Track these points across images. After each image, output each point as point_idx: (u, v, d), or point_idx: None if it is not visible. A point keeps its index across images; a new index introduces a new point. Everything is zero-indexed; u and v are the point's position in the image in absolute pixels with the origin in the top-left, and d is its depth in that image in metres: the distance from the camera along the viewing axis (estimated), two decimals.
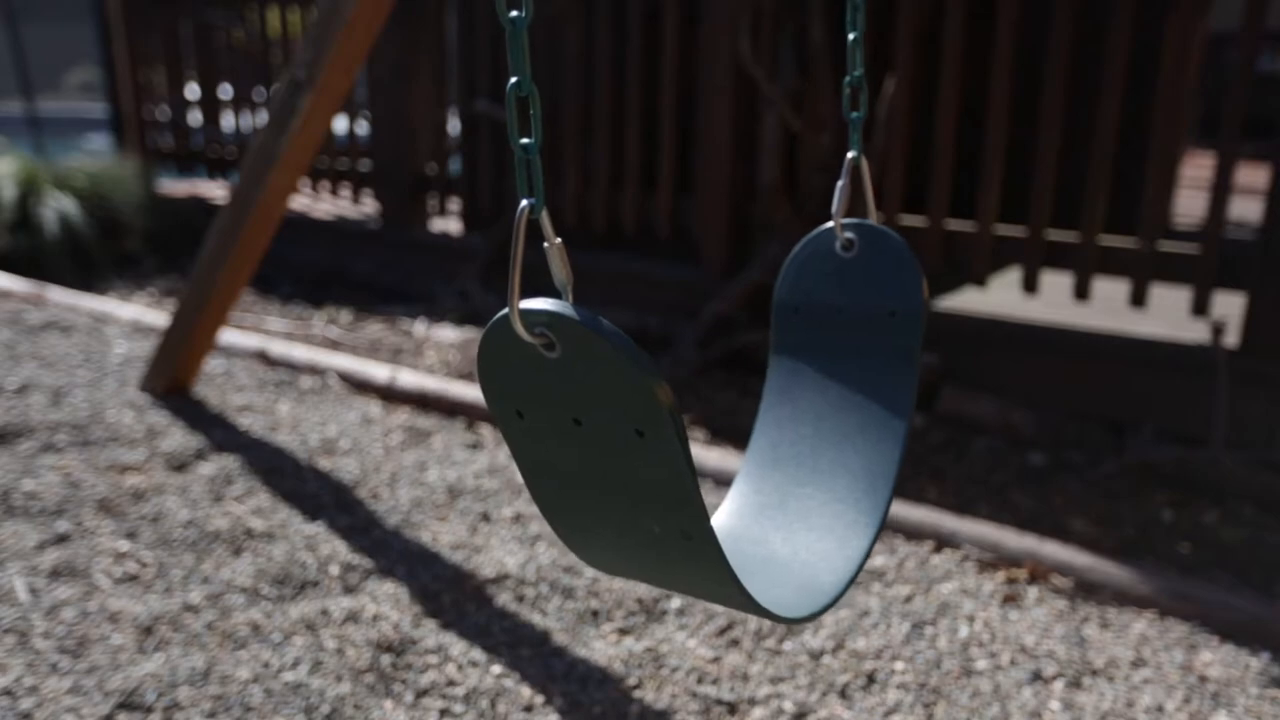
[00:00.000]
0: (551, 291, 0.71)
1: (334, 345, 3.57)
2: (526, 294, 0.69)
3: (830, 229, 1.07)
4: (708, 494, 2.34)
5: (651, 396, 0.67)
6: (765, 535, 1.03)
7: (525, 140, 0.69)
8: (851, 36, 1.04)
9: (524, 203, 0.69)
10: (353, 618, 1.76)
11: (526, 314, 0.68)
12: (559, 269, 0.71)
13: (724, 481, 2.38)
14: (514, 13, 0.68)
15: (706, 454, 2.47)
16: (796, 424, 1.10)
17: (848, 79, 1.06)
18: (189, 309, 2.69)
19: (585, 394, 0.69)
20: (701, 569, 0.78)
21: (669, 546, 0.76)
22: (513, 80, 0.69)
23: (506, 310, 0.68)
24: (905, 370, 1.06)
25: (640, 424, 0.68)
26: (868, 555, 0.99)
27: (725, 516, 1.06)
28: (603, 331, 0.66)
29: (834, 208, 1.06)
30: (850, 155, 1.05)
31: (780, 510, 1.05)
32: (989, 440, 2.78)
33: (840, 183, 1.06)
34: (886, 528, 2.17)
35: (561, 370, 0.69)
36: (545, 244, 0.71)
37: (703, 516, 0.72)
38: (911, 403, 1.05)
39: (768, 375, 1.14)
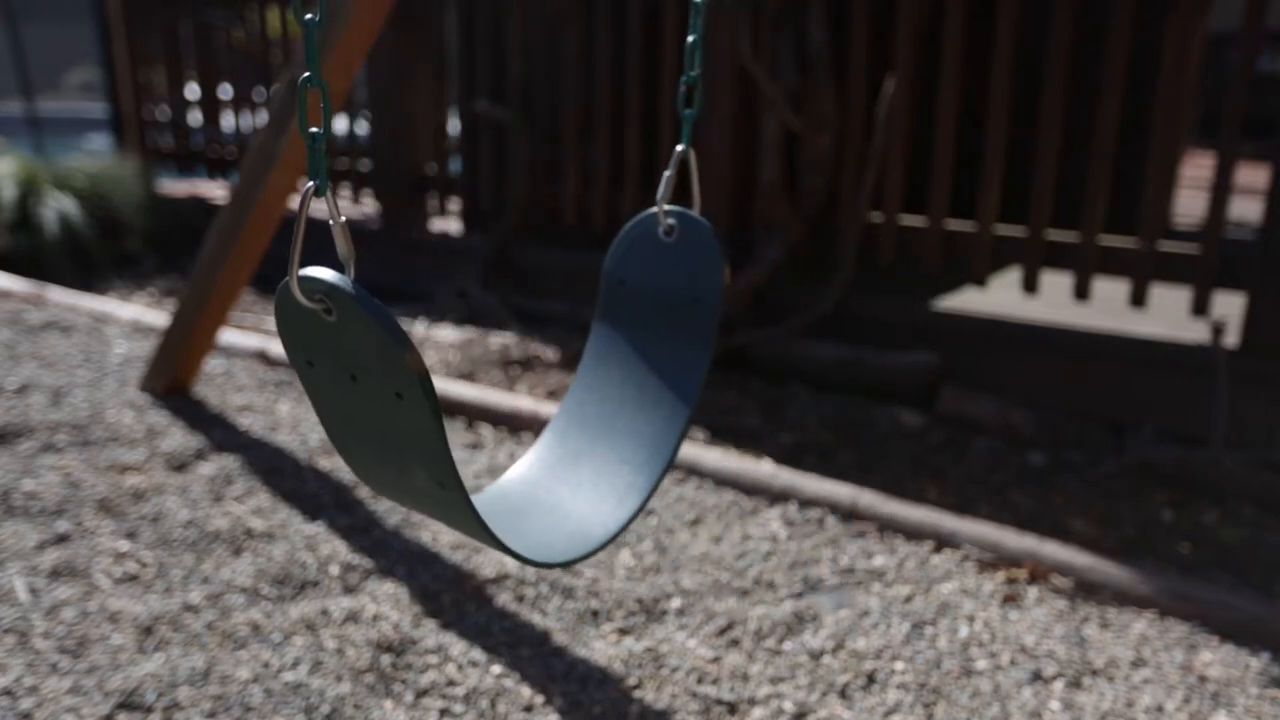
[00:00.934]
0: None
1: None
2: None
3: (655, 213, 1.18)
4: (707, 494, 2.34)
5: (405, 365, 0.76)
6: (555, 485, 1.15)
7: (315, 130, 0.78)
8: (691, 39, 1.12)
9: (310, 184, 0.78)
10: (353, 618, 1.76)
11: (304, 281, 0.78)
12: (341, 244, 0.80)
13: (724, 481, 2.38)
14: (308, 15, 0.78)
15: (706, 453, 2.47)
16: (604, 388, 1.21)
17: (684, 78, 1.15)
18: (189, 309, 2.69)
19: (356, 356, 0.80)
20: (455, 513, 0.90)
21: (429, 493, 0.88)
22: (304, 75, 0.78)
23: (288, 277, 0.77)
24: (700, 353, 1.17)
25: (398, 387, 0.78)
26: (637, 514, 1.11)
27: (526, 463, 1.18)
28: (365, 304, 0.76)
29: (659, 194, 1.16)
30: (678, 149, 1.15)
31: (574, 464, 1.17)
32: (989, 440, 2.78)
33: (667, 173, 1.15)
34: (886, 528, 2.17)
35: (338, 333, 0.79)
36: (330, 221, 0.80)
37: (452, 472, 0.83)
38: (699, 383, 1.16)
39: (589, 339, 1.24)
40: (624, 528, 1.09)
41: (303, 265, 0.80)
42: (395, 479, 0.90)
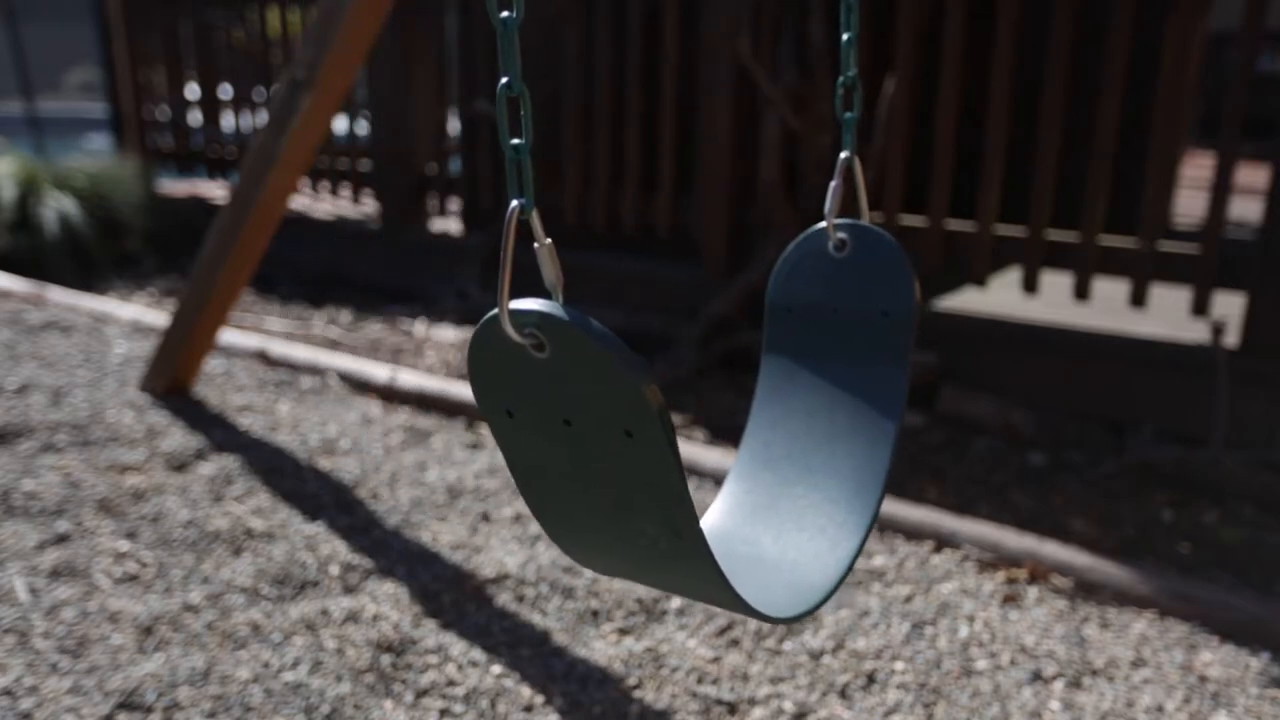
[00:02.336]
0: (543, 291, 0.71)
1: (334, 345, 3.57)
2: (520, 294, 0.69)
3: (823, 229, 1.08)
4: (706, 494, 2.34)
5: (640, 397, 0.67)
6: (756, 535, 1.04)
7: (516, 141, 0.69)
8: (846, 37, 1.04)
9: (514, 203, 0.69)
10: (353, 618, 1.76)
11: (516, 315, 0.68)
12: (549, 269, 0.71)
13: (724, 481, 2.38)
14: (505, 13, 0.68)
15: (706, 454, 2.47)
16: (788, 423, 1.11)
17: (841, 79, 1.06)
18: (189, 309, 2.69)
19: (575, 394, 0.69)
20: (691, 568, 0.79)
21: (659, 546, 0.77)
22: (503, 80, 0.68)
23: (496, 310, 0.68)
24: (896, 371, 1.06)
25: (629, 425, 0.68)
26: (858, 555, 1.00)
27: (717, 516, 1.06)
28: (592, 332, 0.66)
29: (827, 208, 1.06)
30: (844, 155, 1.05)
31: (771, 510, 1.06)
32: (989, 440, 2.78)
33: (833, 183, 1.06)
34: (886, 528, 2.17)
35: (551, 371, 0.69)
36: (535, 244, 0.71)
37: (692, 516, 0.73)
38: (902, 403, 1.05)
39: (760, 375, 1.14)
40: (847, 571, 0.99)
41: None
42: (614, 540, 0.79)
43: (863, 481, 1.04)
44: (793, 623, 0.93)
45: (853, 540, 1.01)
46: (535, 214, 0.70)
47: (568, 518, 0.80)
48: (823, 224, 1.07)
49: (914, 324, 1.06)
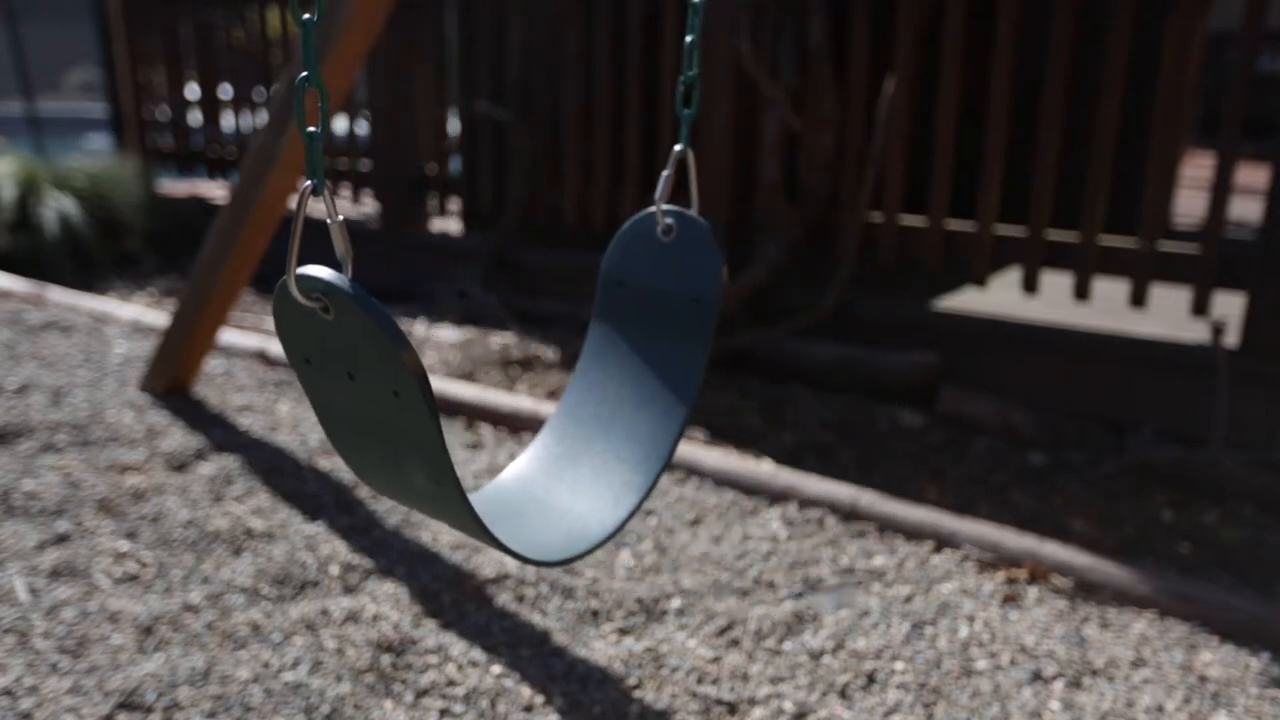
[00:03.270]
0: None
1: None
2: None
3: (653, 212, 1.18)
4: (707, 494, 2.34)
5: (401, 363, 0.77)
6: (553, 484, 1.16)
7: (312, 129, 0.78)
8: (689, 39, 1.12)
9: (307, 183, 0.78)
10: (353, 618, 1.76)
11: (302, 280, 0.78)
12: (339, 243, 0.80)
13: (724, 481, 2.38)
14: (305, 15, 0.77)
15: (706, 454, 2.47)
16: (603, 387, 1.22)
17: (682, 78, 1.15)
18: (189, 309, 2.69)
19: (354, 354, 0.80)
20: (452, 512, 0.91)
21: (426, 490, 0.89)
22: (302, 75, 0.77)
23: (286, 275, 0.78)
24: (698, 350, 1.18)
25: (395, 386, 0.79)
26: (634, 512, 1.12)
27: (524, 462, 1.18)
28: (363, 303, 0.76)
29: (657, 194, 1.16)
30: (676, 149, 1.16)
31: (572, 464, 1.17)
32: (989, 440, 2.78)
33: (665, 172, 1.16)
34: (886, 528, 2.17)
35: (336, 331, 0.80)
36: (328, 220, 0.80)
37: (448, 469, 0.84)
38: (698, 382, 1.17)
39: (587, 338, 1.24)
40: (621, 526, 1.10)
41: (302, 264, 0.80)
42: (393, 478, 0.91)
43: (653, 448, 1.16)
44: (551, 566, 1.08)
45: (632, 498, 1.12)
46: (327, 193, 0.79)
47: (358, 454, 0.93)
48: (653, 208, 1.18)
49: (716, 310, 1.17)
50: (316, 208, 0.77)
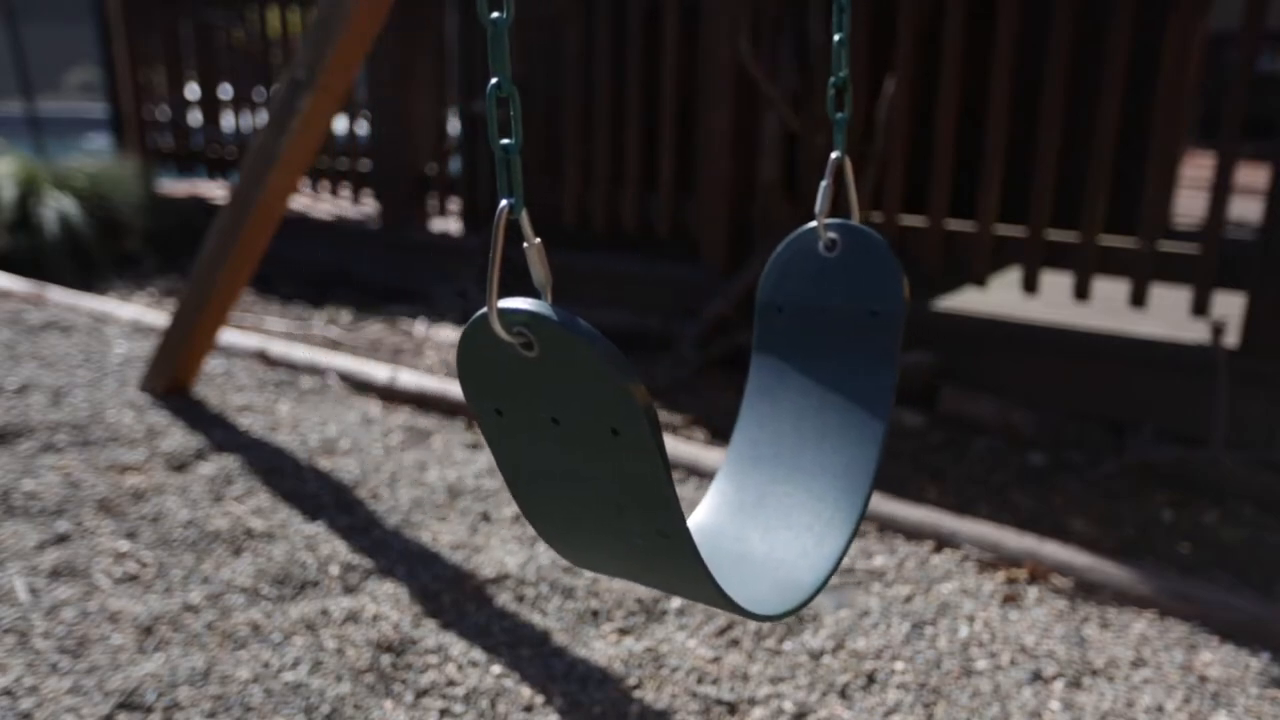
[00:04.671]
0: (533, 291, 0.72)
1: (334, 345, 3.57)
2: (510, 294, 0.70)
3: (814, 228, 1.08)
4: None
5: (628, 396, 0.67)
6: (744, 533, 1.05)
7: (506, 140, 0.70)
8: (837, 38, 1.04)
9: (504, 202, 0.70)
10: (353, 618, 1.76)
11: (505, 313, 0.68)
12: (538, 269, 0.72)
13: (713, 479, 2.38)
14: (495, 14, 0.69)
15: (706, 454, 2.47)
16: (777, 422, 1.11)
17: (833, 80, 1.07)
18: (189, 309, 2.69)
19: (563, 393, 0.70)
20: (677, 566, 0.79)
21: (646, 544, 0.77)
22: (493, 81, 0.70)
23: (485, 309, 0.69)
24: (885, 370, 1.07)
25: (616, 424, 0.69)
26: (844, 553, 1.01)
27: (705, 513, 1.07)
28: (580, 332, 0.67)
29: (818, 207, 1.07)
30: (834, 156, 1.06)
31: (759, 508, 1.07)
32: (989, 440, 2.78)
33: (824, 183, 1.06)
34: (886, 528, 2.17)
35: (539, 370, 0.70)
36: (525, 244, 0.71)
37: (678, 515, 0.73)
38: (890, 403, 1.06)
39: (750, 373, 1.14)
40: (834, 569, 0.99)
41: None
42: (601, 536, 0.80)
43: (851, 480, 1.05)
44: (779, 620, 0.94)
45: (840, 538, 1.01)
46: (525, 214, 0.70)
47: (555, 515, 0.81)
48: (813, 224, 1.08)
49: (902, 324, 1.07)
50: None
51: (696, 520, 1.06)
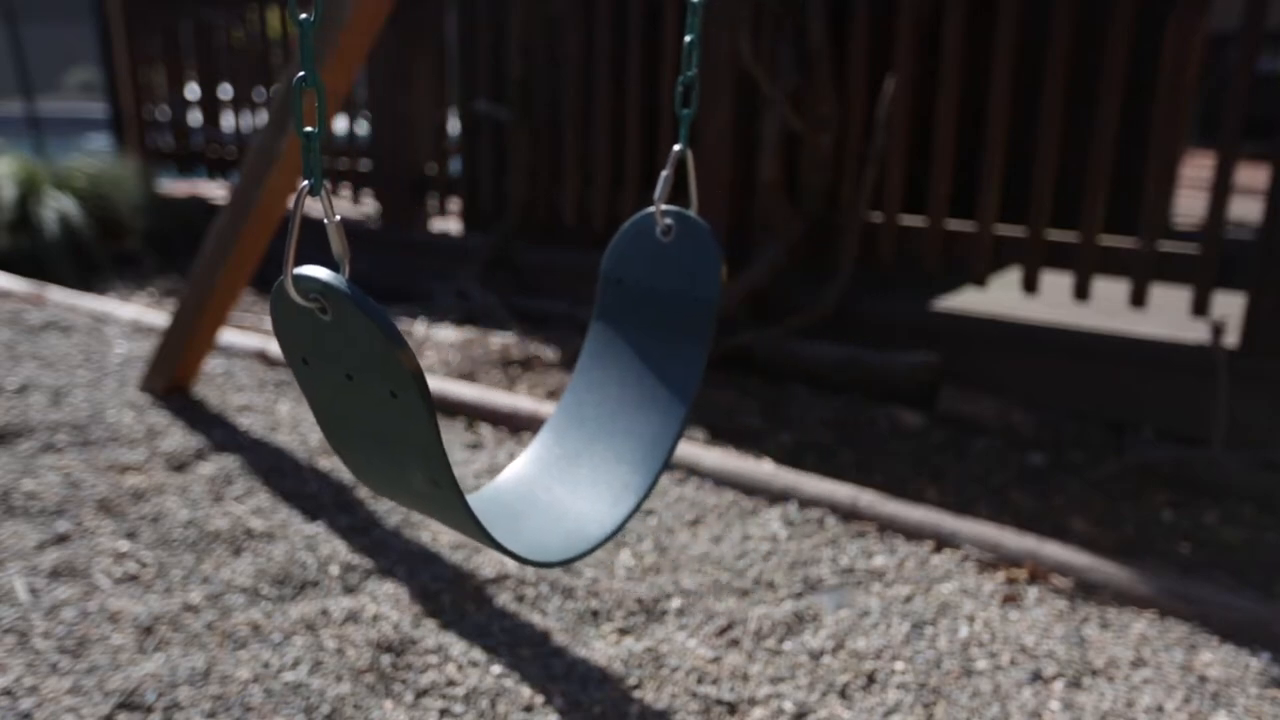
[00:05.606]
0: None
1: None
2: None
3: (652, 212, 1.18)
4: (707, 494, 2.34)
5: (398, 363, 0.76)
6: (552, 484, 1.15)
7: (309, 129, 0.78)
8: (688, 39, 1.12)
9: (304, 183, 0.78)
10: (353, 618, 1.76)
11: (299, 280, 0.78)
12: (336, 243, 0.80)
13: (724, 481, 2.38)
14: (303, 15, 0.77)
15: (706, 453, 2.47)
16: (604, 387, 1.21)
17: (681, 79, 1.15)
18: (189, 309, 2.69)
19: (352, 355, 0.80)
20: (451, 513, 0.90)
21: (423, 491, 0.88)
22: (299, 75, 0.77)
23: (283, 276, 0.78)
24: (697, 352, 1.17)
25: (393, 386, 0.79)
26: (633, 513, 1.11)
27: (524, 462, 1.18)
28: (359, 302, 0.76)
29: (656, 194, 1.16)
30: (676, 148, 1.15)
31: (572, 464, 1.17)
32: (989, 440, 2.78)
33: (664, 172, 1.15)
34: (886, 528, 2.17)
35: (333, 331, 0.79)
36: (325, 220, 0.79)
37: (446, 470, 0.83)
38: (696, 382, 1.17)
39: (587, 338, 1.24)
40: (620, 527, 1.09)
41: (300, 264, 0.80)
42: (392, 479, 0.91)
43: (651, 450, 1.15)
44: (550, 567, 1.05)
45: (631, 499, 1.12)
46: (325, 193, 0.78)
47: (356, 456, 0.92)
48: (652, 208, 1.17)
49: (714, 309, 1.16)
50: (315, 208, 0.77)
51: (516, 466, 1.17)
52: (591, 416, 1.20)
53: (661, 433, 1.16)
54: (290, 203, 2.74)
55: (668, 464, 1.14)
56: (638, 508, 1.11)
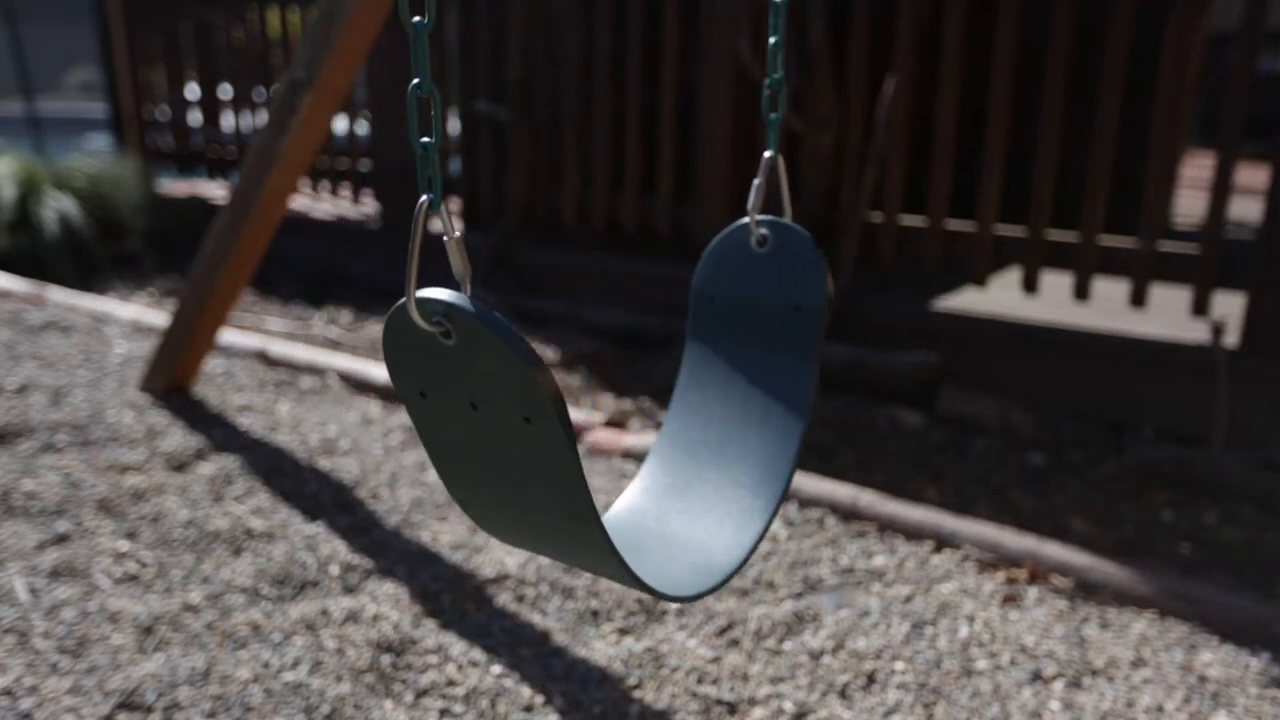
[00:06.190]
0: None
1: (334, 345, 3.57)
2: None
3: (746, 224, 1.12)
4: None
5: (535, 386, 0.71)
6: (667, 515, 1.08)
7: (426, 139, 0.73)
8: (773, 40, 1.08)
9: (424, 198, 0.74)
10: (353, 618, 1.76)
11: (423, 303, 0.72)
12: (457, 261, 0.75)
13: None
14: (416, 18, 0.73)
15: None
16: (706, 409, 1.15)
17: (767, 81, 1.13)
18: (189, 309, 2.69)
19: (479, 381, 0.74)
20: (588, 546, 0.83)
21: (557, 526, 0.81)
22: (414, 82, 0.73)
23: (405, 298, 0.72)
24: (806, 365, 1.11)
25: (527, 411, 0.73)
26: (760, 539, 1.05)
27: (633, 495, 1.11)
28: (492, 323, 0.70)
29: (749, 204, 1.11)
30: (766, 155, 1.11)
31: (684, 493, 1.10)
32: (989, 440, 2.78)
33: (756, 181, 1.11)
34: (886, 528, 2.17)
35: (457, 357, 0.73)
36: (444, 237, 0.74)
37: (586, 499, 0.77)
38: (811, 396, 1.10)
39: (683, 360, 1.18)
40: (750, 553, 1.03)
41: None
42: (518, 516, 0.84)
43: (770, 470, 1.09)
44: (689, 601, 0.97)
45: (757, 525, 1.05)
46: (444, 208, 0.73)
47: (476, 493, 0.85)
48: (746, 219, 1.12)
49: (824, 319, 1.10)
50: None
51: (625, 500, 1.10)
52: (698, 441, 1.13)
53: (779, 451, 1.09)
54: (291, 202, 2.74)
55: (790, 483, 1.08)
56: (765, 532, 1.05)
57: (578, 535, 0.82)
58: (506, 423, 0.75)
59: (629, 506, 1.09)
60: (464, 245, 0.75)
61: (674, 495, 1.10)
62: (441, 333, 0.73)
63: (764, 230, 1.12)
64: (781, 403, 1.11)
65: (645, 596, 1.86)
